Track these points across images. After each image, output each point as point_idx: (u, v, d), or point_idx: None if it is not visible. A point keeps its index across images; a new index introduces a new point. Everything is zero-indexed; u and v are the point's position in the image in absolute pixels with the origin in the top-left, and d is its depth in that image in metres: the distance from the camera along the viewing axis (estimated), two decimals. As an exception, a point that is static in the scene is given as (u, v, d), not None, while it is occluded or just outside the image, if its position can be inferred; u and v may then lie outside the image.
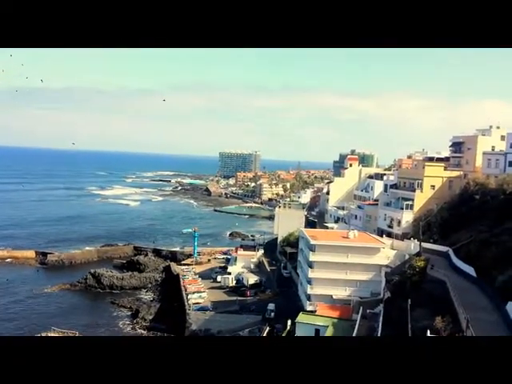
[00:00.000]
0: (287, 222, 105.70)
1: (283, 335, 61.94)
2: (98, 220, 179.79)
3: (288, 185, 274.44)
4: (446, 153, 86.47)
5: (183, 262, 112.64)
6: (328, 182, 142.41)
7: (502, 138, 73.48)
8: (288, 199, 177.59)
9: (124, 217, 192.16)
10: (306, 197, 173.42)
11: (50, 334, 67.80)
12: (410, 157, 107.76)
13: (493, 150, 74.08)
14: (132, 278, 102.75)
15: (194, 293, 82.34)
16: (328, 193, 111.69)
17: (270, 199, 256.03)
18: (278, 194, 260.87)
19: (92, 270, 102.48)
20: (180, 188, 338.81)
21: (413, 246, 60.60)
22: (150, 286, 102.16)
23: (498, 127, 78.52)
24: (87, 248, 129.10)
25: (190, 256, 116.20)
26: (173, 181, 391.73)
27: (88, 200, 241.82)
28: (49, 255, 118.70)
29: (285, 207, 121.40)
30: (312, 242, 66.77)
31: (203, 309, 76.56)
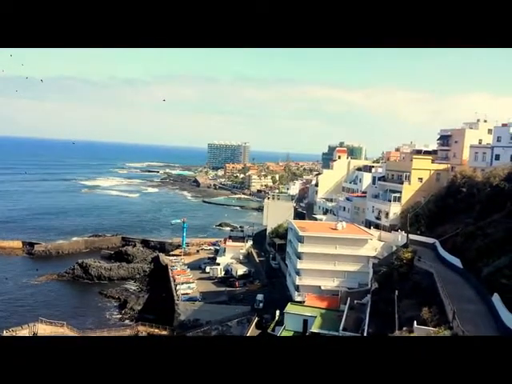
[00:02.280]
0: (276, 214, 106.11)
1: (272, 325, 62.42)
2: (84, 211, 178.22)
3: (277, 176, 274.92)
4: (433, 146, 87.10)
5: (172, 253, 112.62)
6: (317, 174, 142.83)
7: (489, 131, 74.22)
8: (277, 191, 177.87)
9: (110, 208, 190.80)
10: (294, 188, 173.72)
11: (37, 325, 67.50)
12: (397, 149, 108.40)
13: (480, 143, 74.86)
14: (120, 269, 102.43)
15: (182, 283, 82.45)
16: (317, 185, 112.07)
17: (259, 191, 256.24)
18: (266, 186, 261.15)
19: (79, 261, 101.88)
20: (168, 179, 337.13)
21: (400, 237, 61.24)
22: (138, 276, 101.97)
23: (485, 121, 79.23)
24: (75, 238, 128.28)
25: (178, 247, 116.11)
26: (161, 172, 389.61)
27: (75, 190, 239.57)
28: (36, 245, 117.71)
29: (274, 199, 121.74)
30: (301, 233, 67.13)
31: (192, 299, 76.78)
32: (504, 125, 71.05)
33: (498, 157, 66.94)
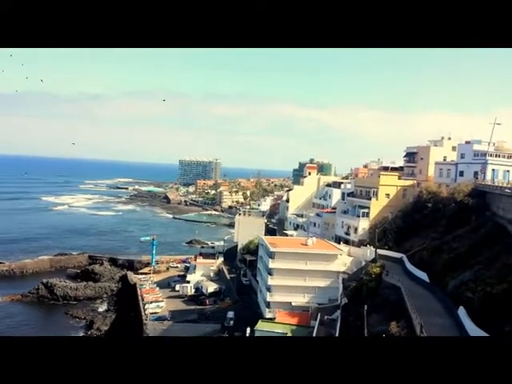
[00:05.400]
0: (247, 230, 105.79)
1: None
2: (51, 230, 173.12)
3: (248, 192, 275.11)
4: (400, 162, 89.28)
5: (141, 271, 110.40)
6: (287, 190, 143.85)
7: (453, 148, 76.66)
8: (248, 207, 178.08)
9: (77, 226, 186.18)
10: (265, 204, 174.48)
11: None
12: (365, 166, 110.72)
13: (444, 160, 77.13)
14: (87, 288, 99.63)
15: (151, 302, 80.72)
16: (287, 201, 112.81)
17: (230, 207, 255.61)
18: (238, 202, 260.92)
19: (44, 280, 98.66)
20: (138, 196, 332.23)
21: (369, 252, 61.96)
22: (105, 296, 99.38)
23: (449, 138, 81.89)
24: (40, 257, 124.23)
25: (147, 265, 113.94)
26: (130, 188, 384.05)
27: (41, 209, 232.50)
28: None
29: (245, 215, 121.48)
30: (271, 249, 67.05)
31: (161, 318, 75.18)
32: (467, 142, 73.52)
33: (462, 173, 69.08)
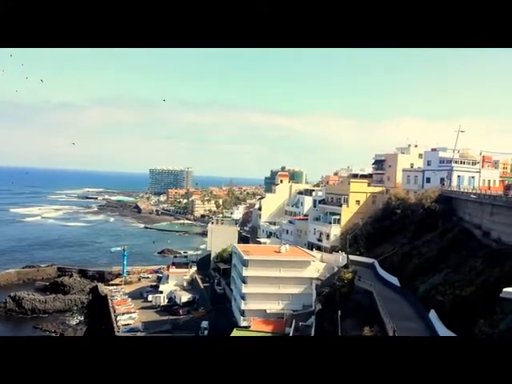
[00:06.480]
0: (220, 238, 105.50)
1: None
2: (18, 242, 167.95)
3: (220, 201, 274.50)
4: (369, 170, 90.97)
5: (112, 283, 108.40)
6: (260, 198, 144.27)
7: (420, 155, 78.77)
8: (221, 215, 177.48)
9: (46, 237, 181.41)
10: (238, 213, 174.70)
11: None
12: (336, 173, 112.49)
13: (412, 167, 79.15)
14: (56, 301, 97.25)
15: (123, 314, 79.44)
16: (260, 208, 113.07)
17: (203, 215, 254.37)
18: (210, 211, 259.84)
19: (12, 294, 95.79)
20: (108, 206, 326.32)
21: (341, 258, 62.86)
22: (75, 308, 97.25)
23: (416, 146, 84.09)
24: (7, 271, 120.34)
25: (118, 276, 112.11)
26: (100, 198, 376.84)
27: (7, 220, 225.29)
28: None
29: (218, 223, 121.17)
30: (245, 257, 67.13)
31: (133, 330, 73.98)
32: (433, 149, 75.73)
33: (428, 180, 71.01)
